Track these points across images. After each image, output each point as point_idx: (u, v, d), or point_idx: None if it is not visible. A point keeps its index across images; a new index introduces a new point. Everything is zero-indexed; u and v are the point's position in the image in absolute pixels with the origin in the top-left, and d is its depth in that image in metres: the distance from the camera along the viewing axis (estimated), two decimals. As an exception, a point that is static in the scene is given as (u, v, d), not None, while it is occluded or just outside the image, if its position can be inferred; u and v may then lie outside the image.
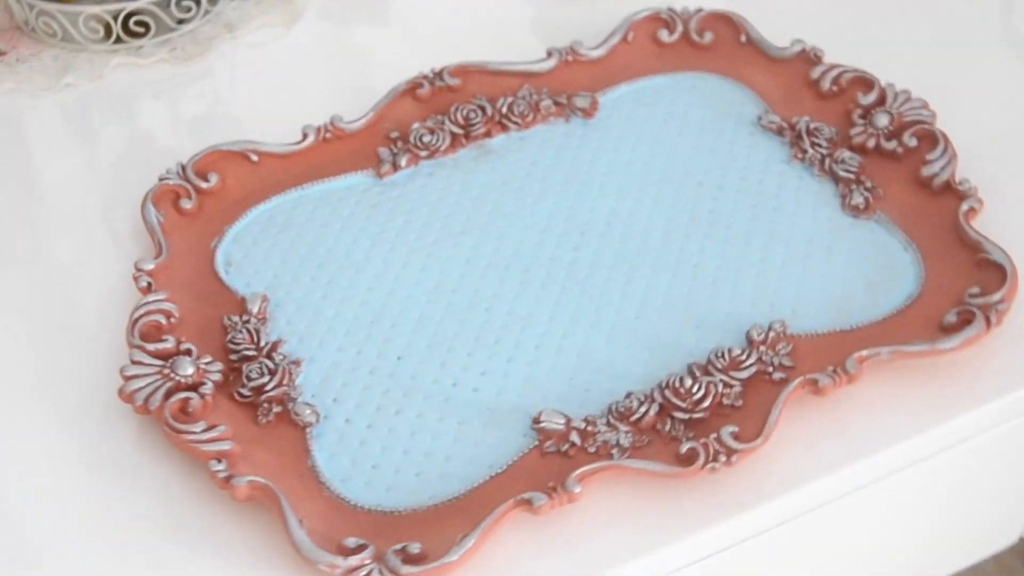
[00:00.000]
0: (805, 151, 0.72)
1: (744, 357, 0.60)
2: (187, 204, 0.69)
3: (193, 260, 0.67)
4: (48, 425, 0.61)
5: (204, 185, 0.70)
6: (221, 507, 0.57)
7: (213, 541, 0.57)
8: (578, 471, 0.56)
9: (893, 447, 0.59)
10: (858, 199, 0.69)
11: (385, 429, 0.60)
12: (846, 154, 0.71)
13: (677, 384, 0.59)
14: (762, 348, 0.61)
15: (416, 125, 0.73)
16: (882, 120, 0.72)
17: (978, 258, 0.64)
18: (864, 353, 0.59)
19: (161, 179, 0.69)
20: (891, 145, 0.71)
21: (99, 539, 0.57)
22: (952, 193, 0.68)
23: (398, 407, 0.60)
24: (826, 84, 0.75)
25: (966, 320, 0.61)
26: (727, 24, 0.80)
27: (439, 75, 0.76)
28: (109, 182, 0.75)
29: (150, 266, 0.65)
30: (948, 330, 0.61)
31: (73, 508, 0.58)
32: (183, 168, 0.70)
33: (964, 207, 0.67)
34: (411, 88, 0.75)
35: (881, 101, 0.73)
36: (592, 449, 0.58)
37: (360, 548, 0.54)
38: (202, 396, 0.59)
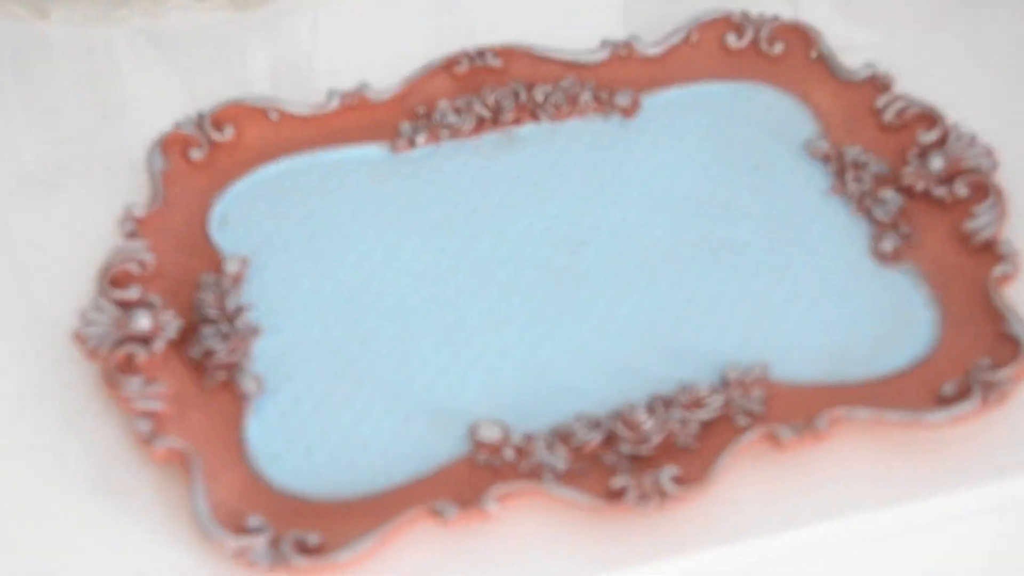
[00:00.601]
0: (846, 184, 0.67)
1: (710, 397, 0.57)
2: (197, 154, 0.68)
3: (188, 213, 0.66)
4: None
5: (218, 137, 0.69)
6: (152, 468, 0.56)
7: (133, 499, 0.56)
8: (497, 489, 0.53)
9: (848, 518, 0.54)
10: (888, 245, 0.64)
11: (329, 413, 0.58)
12: (889, 195, 0.66)
13: (629, 414, 0.56)
14: (735, 390, 0.57)
15: (443, 102, 0.71)
16: (936, 163, 0.66)
17: (999, 330, 0.59)
18: (838, 413, 0.55)
19: (176, 125, 0.69)
20: (941, 192, 0.66)
21: (15, 474, 0.57)
22: (991, 254, 0.62)
23: (348, 393, 0.58)
24: (889, 115, 0.70)
25: (964, 393, 0.56)
26: (800, 36, 0.75)
27: (481, 54, 0.73)
28: (135, 124, 0.74)
29: (139, 213, 0.65)
30: (944, 401, 0.56)
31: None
32: (200, 117, 0.69)
33: (997, 271, 0.61)
34: (448, 64, 0.73)
35: (942, 141, 0.68)
36: (525, 468, 0.55)
37: (259, 530, 0.52)
38: (151, 351, 0.58)
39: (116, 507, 0.56)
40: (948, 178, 0.66)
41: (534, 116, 0.71)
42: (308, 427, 0.57)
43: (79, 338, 0.59)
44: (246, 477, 0.55)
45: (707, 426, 0.56)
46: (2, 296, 0.65)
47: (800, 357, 0.59)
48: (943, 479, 0.56)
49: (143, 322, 0.59)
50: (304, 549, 0.51)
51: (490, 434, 0.55)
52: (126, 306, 0.60)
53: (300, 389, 0.58)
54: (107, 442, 0.58)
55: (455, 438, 0.56)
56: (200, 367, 0.59)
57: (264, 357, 0.60)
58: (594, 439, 0.55)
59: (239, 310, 0.61)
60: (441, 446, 0.56)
